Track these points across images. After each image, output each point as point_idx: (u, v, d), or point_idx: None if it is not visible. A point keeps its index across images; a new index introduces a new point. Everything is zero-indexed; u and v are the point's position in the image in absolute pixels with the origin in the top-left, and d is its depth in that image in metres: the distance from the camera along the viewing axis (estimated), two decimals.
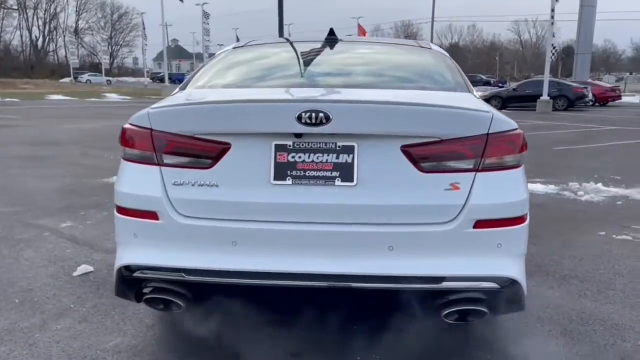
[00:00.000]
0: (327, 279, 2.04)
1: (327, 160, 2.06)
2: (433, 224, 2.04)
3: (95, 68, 67.03)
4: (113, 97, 31.78)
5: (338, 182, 2.05)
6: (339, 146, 2.05)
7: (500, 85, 58.38)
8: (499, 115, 2.14)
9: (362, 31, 52.93)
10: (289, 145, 2.07)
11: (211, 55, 5.91)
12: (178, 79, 61.10)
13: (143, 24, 43.86)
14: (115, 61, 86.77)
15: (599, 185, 6.43)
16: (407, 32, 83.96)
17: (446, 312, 2.10)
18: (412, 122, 2.06)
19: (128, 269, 2.18)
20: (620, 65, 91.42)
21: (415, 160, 2.05)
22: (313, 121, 1.98)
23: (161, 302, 2.25)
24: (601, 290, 3.31)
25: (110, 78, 59.52)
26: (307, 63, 2.93)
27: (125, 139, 2.22)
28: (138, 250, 2.16)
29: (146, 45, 43.51)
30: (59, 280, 3.39)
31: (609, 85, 30.16)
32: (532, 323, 2.83)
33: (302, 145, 2.07)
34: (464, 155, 2.05)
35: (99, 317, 2.88)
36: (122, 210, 2.21)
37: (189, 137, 2.10)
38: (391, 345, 2.51)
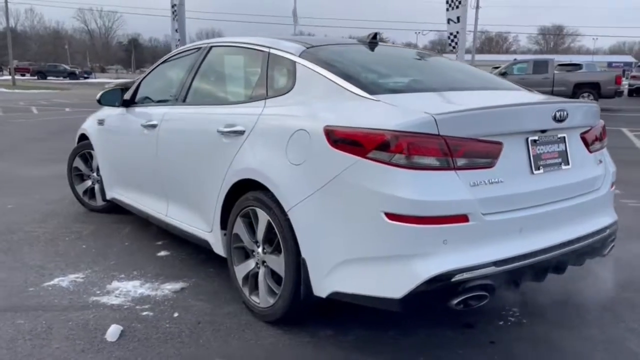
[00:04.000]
0: (570, 244, 2.53)
1: (553, 150, 2.61)
2: (597, 189, 2.81)
3: None
4: None
5: (564, 166, 2.64)
6: (558, 137, 2.64)
7: (85, 76, 58.71)
8: None
9: None
10: (537, 140, 2.54)
11: None
12: None
13: None
14: None
15: None
16: None
17: (605, 252, 2.81)
18: (586, 116, 2.79)
19: (440, 278, 2.17)
20: None
21: (587, 144, 2.80)
22: (562, 118, 2.53)
23: (467, 301, 2.27)
24: None
25: None
26: (418, 67, 3.48)
27: (404, 146, 2.22)
28: (450, 256, 2.21)
29: None
30: (98, 352, 2.56)
31: None
32: None
33: (543, 139, 2.56)
34: (599, 138, 2.88)
35: None
36: (424, 220, 2.19)
37: (474, 140, 2.31)
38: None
